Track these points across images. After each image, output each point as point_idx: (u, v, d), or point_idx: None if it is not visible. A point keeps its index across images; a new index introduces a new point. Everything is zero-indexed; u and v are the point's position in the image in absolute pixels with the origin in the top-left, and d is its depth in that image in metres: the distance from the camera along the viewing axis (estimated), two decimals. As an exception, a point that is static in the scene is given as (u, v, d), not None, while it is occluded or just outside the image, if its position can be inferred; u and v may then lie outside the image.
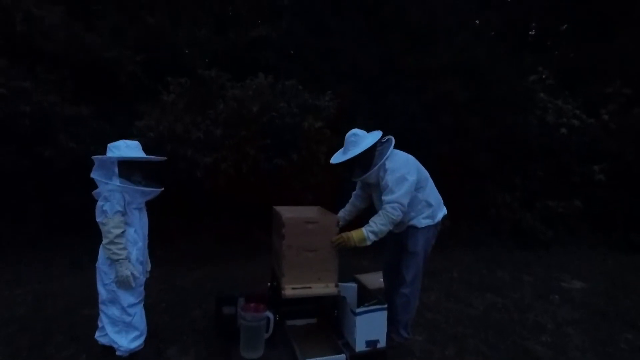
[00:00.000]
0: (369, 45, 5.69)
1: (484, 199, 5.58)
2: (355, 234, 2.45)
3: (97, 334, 2.42)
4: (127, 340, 2.32)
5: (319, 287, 2.44)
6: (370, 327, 2.43)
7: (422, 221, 2.61)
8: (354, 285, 2.83)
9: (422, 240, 2.61)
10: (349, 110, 4.96)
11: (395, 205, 2.43)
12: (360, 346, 2.42)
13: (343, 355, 2.29)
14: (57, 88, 4.49)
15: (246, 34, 5.62)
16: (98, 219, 2.26)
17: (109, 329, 2.33)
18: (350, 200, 2.96)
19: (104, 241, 2.21)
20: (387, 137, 2.65)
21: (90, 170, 2.32)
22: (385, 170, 2.51)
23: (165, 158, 2.55)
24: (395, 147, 2.67)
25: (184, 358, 2.57)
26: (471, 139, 5.33)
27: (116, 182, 2.24)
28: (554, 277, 4.41)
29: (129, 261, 2.25)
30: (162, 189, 2.44)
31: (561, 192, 5.60)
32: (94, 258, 2.35)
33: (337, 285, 2.48)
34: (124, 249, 2.22)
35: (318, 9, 6.00)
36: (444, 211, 2.75)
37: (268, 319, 2.39)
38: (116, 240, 2.18)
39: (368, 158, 2.56)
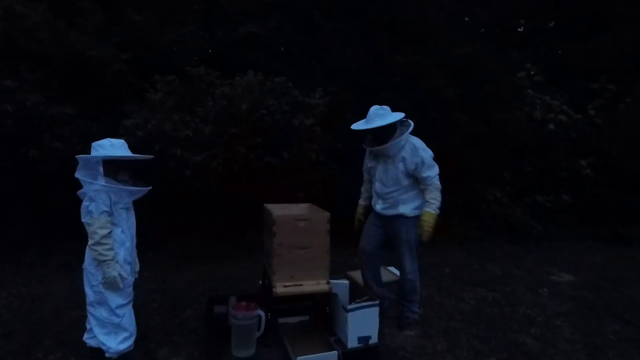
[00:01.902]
0: (358, 43, 5.69)
1: (475, 194, 5.63)
2: (428, 216, 2.73)
3: (85, 336, 2.37)
4: (116, 342, 2.27)
5: (311, 284, 2.44)
6: (362, 323, 2.44)
7: (412, 211, 2.84)
8: (345, 281, 2.83)
9: (413, 230, 2.84)
10: (339, 108, 4.95)
11: (438, 178, 2.76)
12: (352, 342, 2.42)
13: (335, 352, 2.29)
14: (41, 87, 4.38)
15: (235, 32, 5.56)
16: (83, 220, 2.21)
17: (97, 330, 2.28)
18: (364, 185, 3.24)
19: (90, 242, 2.16)
20: (408, 120, 2.87)
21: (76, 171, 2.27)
22: (415, 148, 2.75)
23: (152, 156, 2.50)
24: None
25: (175, 358, 2.55)
26: (461, 136, 5.37)
27: (101, 181, 2.19)
28: (544, 270, 4.47)
29: (116, 262, 2.21)
30: (150, 187, 2.40)
31: (550, 187, 5.67)
32: (82, 260, 2.30)
33: (328, 282, 2.48)
34: (111, 249, 2.18)
35: (307, 7, 5.98)
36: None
37: (260, 317, 2.37)
38: (102, 241, 2.14)
39: (389, 132, 2.76)
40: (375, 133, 2.81)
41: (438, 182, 2.77)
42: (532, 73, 6.00)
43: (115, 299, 2.24)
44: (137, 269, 2.53)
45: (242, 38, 5.52)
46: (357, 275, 3.26)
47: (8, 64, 4.31)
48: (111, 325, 2.26)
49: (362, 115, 3.12)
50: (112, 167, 2.25)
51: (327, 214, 2.63)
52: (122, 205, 2.29)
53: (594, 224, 5.99)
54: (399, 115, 2.78)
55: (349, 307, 2.43)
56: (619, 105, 5.88)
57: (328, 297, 2.62)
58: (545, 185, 5.70)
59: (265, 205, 2.80)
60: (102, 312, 2.24)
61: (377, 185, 2.95)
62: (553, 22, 7.95)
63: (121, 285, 2.21)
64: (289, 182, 4.59)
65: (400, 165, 2.78)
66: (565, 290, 3.89)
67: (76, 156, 2.25)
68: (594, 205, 5.95)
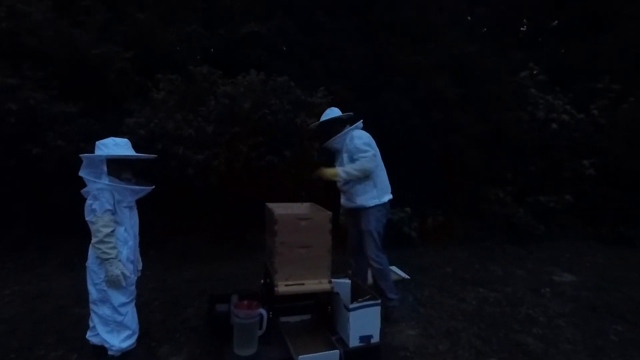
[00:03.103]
0: (359, 42, 5.69)
1: (476, 194, 5.62)
2: (330, 169, 2.88)
3: (88, 334, 2.39)
4: (118, 340, 2.28)
5: (312, 283, 2.44)
6: (363, 322, 2.44)
7: (369, 201, 2.95)
8: (347, 281, 2.83)
9: (373, 220, 2.95)
10: (341, 107, 4.95)
11: (368, 159, 2.86)
12: (353, 342, 2.42)
13: (337, 351, 2.29)
14: (44, 85, 4.40)
15: (237, 31, 5.56)
16: (87, 218, 2.21)
17: (100, 328, 2.29)
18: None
19: (94, 240, 2.17)
20: (358, 119, 3.08)
21: (79, 169, 2.27)
22: (352, 137, 2.94)
23: (155, 156, 2.50)
24: (387, 143, 2.98)
25: (177, 356, 2.55)
26: (463, 135, 5.36)
27: (105, 180, 2.19)
28: (546, 271, 4.46)
29: (119, 260, 2.21)
30: (153, 187, 2.40)
31: (552, 187, 5.65)
32: (84, 258, 2.31)
33: (330, 281, 2.48)
34: (114, 247, 2.18)
35: (308, 7, 5.97)
36: (389, 196, 3.07)
37: (261, 316, 2.38)
38: (106, 239, 2.14)
39: (333, 128, 3.02)
40: (323, 130, 3.10)
41: (366, 163, 2.85)
42: (534, 72, 5.98)
43: (118, 297, 2.25)
44: (140, 267, 2.53)
45: (245, 37, 5.53)
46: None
47: (11, 63, 4.33)
48: (114, 323, 2.26)
49: (364, 114, 3.21)
50: (116, 166, 2.26)
51: (329, 213, 2.63)
52: (126, 204, 2.29)
53: (596, 224, 5.97)
54: (342, 114, 3.05)
55: (351, 306, 2.43)
56: (623, 105, 5.86)
57: (330, 296, 2.62)
58: (548, 185, 5.68)
59: (267, 204, 2.80)
60: (105, 310, 2.25)
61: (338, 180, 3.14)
62: (556, 22, 7.92)
63: (124, 284, 2.22)
64: (291, 181, 4.59)
65: (345, 156, 3.00)
66: (567, 290, 3.88)
67: (80, 155, 2.25)
68: (596, 206, 5.94)
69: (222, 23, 5.80)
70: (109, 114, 4.59)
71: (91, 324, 2.36)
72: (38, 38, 4.49)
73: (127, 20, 5.15)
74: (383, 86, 5.29)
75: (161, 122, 4.15)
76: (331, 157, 3.27)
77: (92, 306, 2.30)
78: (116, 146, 2.25)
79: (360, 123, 3.07)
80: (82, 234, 2.34)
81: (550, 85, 5.93)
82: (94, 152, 2.25)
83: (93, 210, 2.16)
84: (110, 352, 2.29)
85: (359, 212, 3.00)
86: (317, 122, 3.17)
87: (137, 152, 2.37)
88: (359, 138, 2.93)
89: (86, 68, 4.75)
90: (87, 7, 5.00)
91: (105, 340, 2.27)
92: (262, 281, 2.98)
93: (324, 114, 3.13)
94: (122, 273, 2.20)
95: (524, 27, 8.31)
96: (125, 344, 2.29)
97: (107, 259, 2.16)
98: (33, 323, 2.98)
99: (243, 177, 4.45)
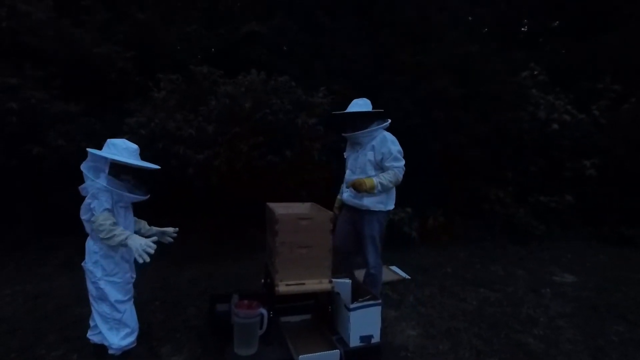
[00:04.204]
0: (361, 42, 5.68)
1: (477, 194, 5.62)
2: (367, 180, 2.73)
3: (89, 333, 2.38)
4: (118, 338, 2.27)
5: (313, 283, 2.43)
6: (364, 322, 2.43)
7: (376, 205, 2.87)
8: (347, 281, 2.82)
9: (377, 225, 2.90)
10: (342, 107, 4.95)
11: (402, 169, 2.81)
12: (354, 341, 2.41)
13: (337, 351, 2.29)
14: (45, 85, 4.41)
15: (238, 30, 5.57)
16: (83, 217, 2.20)
17: (101, 326, 2.28)
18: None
19: (101, 235, 2.10)
20: (387, 118, 2.96)
21: (80, 169, 2.25)
22: (385, 139, 2.84)
23: (160, 167, 2.45)
24: None
25: (178, 356, 2.55)
26: (464, 135, 5.35)
27: (103, 182, 2.17)
28: (547, 271, 4.45)
29: (132, 234, 2.13)
30: (148, 196, 2.38)
31: (553, 187, 5.65)
32: (84, 257, 2.30)
33: (331, 281, 2.48)
34: (123, 230, 2.14)
35: (310, 6, 5.98)
36: (393, 205, 3.00)
37: (262, 315, 2.38)
38: (112, 227, 2.09)
39: (363, 120, 2.88)
40: (350, 120, 2.93)
41: (400, 174, 2.81)
42: (535, 73, 5.98)
43: (114, 294, 2.24)
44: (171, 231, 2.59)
45: (245, 37, 5.54)
46: (359, 274, 3.25)
47: (12, 62, 4.33)
48: (113, 320, 2.26)
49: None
50: (118, 170, 2.24)
51: (330, 213, 2.63)
52: (122, 204, 2.29)
53: (597, 224, 5.96)
54: (374, 109, 2.94)
55: (351, 306, 2.42)
56: (624, 105, 5.85)
57: (330, 296, 2.61)
58: (549, 185, 5.68)
59: (268, 204, 2.80)
60: (104, 308, 2.25)
61: (347, 173, 3.06)
62: (557, 22, 7.92)
63: (152, 249, 2.05)
64: (291, 181, 4.59)
65: (370, 154, 2.87)
66: (568, 290, 3.87)
67: (87, 149, 2.24)
68: (597, 206, 5.93)
69: (222, 23, 5.81)
70: (110, 113, 4.60)
71: (92, 324, 2.35)
72: (39, 38, 4.49)
73: (128, 20, 5.16)
74: (384, 86, 5.28)
75: (162, 122, 4.16)
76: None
77: (92, 303, 2.29)
78: (126, 150, 2.22)
79: (388, 123, 2.93)
80: (83, 234, 2.33)
81: (551, 86, 5.93)
82: (102, 148, 2.24)
83: (91, 209, 2.15)
84: (110, 351, 2.29)
85: (361, 213, 2.92)
86: (345, 111, 2.97)
87: (140, 154, 2.36)
88: (394, 143, 2.84)
89: (87, 68, 4.75)
90: (88, 7, 5.01)
91: (106, 338, 2.27)
92: (262, 281, 2.98)
93: (353, 104, 2.98)
94: (147, 243, 2.05)
95: (524, 27, 8.32)
96: (124, 342, 2.29)
97: (124, 240, 2.08)
98: (34, 323, 2.98)
99: (243, 177, 4.45)
